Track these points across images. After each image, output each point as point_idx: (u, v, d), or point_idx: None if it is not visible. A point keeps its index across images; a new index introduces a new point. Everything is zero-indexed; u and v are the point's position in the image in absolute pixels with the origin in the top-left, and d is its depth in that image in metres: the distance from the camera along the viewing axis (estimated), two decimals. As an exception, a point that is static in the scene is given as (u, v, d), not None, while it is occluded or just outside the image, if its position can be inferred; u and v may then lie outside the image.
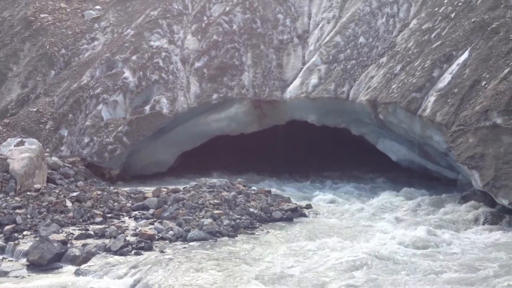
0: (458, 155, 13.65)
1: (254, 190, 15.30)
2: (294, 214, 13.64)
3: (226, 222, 12.38)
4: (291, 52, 19.99)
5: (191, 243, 11.31)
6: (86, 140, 17.71)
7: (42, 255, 10.12)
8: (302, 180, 19.06)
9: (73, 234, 11.64)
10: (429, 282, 8.94)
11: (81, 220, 12.54)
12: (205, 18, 20.91)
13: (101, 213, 12.93)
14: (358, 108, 17.64)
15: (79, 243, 11.11)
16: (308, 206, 14.67)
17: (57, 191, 13.87)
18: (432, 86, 15.52)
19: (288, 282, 9.13)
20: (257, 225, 12.78)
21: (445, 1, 17.89)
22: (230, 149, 21.51)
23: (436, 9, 17.94)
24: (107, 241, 11.15)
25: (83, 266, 10.02)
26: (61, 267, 10.20)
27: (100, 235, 11.62)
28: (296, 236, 12.00)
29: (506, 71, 14.11)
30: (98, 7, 22.61)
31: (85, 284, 9.40)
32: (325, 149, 22.52)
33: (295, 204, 14.35)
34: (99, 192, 14.14)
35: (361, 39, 19.05)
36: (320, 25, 20.47)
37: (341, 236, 11.59)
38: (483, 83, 14.42)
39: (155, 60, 19.41)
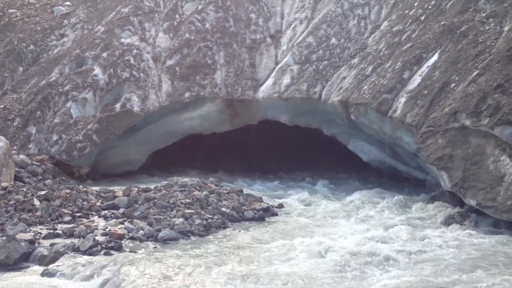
0: (427, 156, 13.86)
1: (226, 189, 15.27)
2: (266, 214, 13.66)
3: (197, 221, 12.31)
4: (264, 52, 20.02)
5: (162, 243, 11.20)
6: (55, 137, 17.39)
7: (9, 255, 9.90)
8: (274, 179, 19.09)
9: (40, 233, 11.41)
10: (399, 281, 9.03)
11: (49, 219, 12.31)
12: (177, 16, 20.77)
13: (70, 212, 12.71)
14: (330, 109, 17.77)
15: (47, 242, 10.90)
16: (280, 206, 14.70)
17: (24, 189, 13.57)
18: (403, 88, 15.72)
19: (259, 282, 9.12)
20: (229, 225, 12.76)
21: (415, 4, 18.16)
22: (202, 148, 21.43)
23: (406, 12, 18.20)
24: (75, 240, 10.96)
25: (51, 266, 9.84)
26: (28, 267, 10.01)
27: (69, 234, 11.43)
28: (268, 235, 12.02)
29: (474, 73, 14.38)
30: (67, 3, 22.24)
31: (53, 285, 9.23)
32: (297, 149, 22.61)
33: (267, 203, 14.38)
34: (67, 191, 13.90)
35: (333, 40, 19.19)
36: (292, 25, 20.55)
37: (312, 236, 11.63)
38: (452, 85, 14.68)
39: (126, 58, 19.18)
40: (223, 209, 13.35)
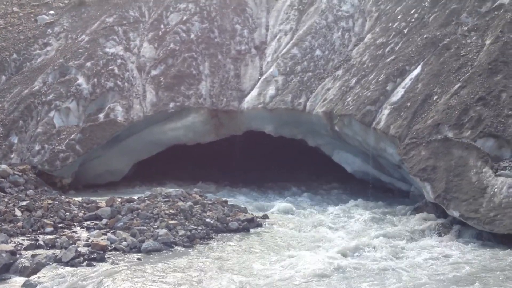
0: (411, 167, 13.96)
1: (210, 200, 15.21)
2: (250, 225, 13.61)
3: (181, 232, 12.22)
4: (249, 63, 20.08)
5: (145, 254, 11.10)
6: (37, 147, 17.20)
7: (-11, 267, 9.72)
8: (259, 190, 19.08)
9: (22, 244, 11.24)
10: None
11: (30, 230, 12.13)
12: (162, 26, 20.77)
13: (52, 223, 12.55)
14: (314, 120, 17.85)
15: (28, 253, 10.72)
16: (265, 217, 14.67)
17: (6, 199, 13.39)
18: (386, 100, 15.87)
19: (244, 293, 9.08)
20: (213, 236, 12.68)
21: (398, 17, 18.38)
22: (187, 158, 21.35)
23: (390, 25, 18.41)
24: (57, 251, 10.81)
25: (32, 278, 9.68)
26: (9, 278, 9.82)
27: (51, 245, 11.27)
28: (252, 247, 11.98)
29: (456, 86, 14.58)
30: (51, 12, 22.12)
31: (34, 297, 9.07)
32: (281, 160, 22.64)
33: (252, 214, 14.34)
34: (50, 201, 13.74)
35: (318, 52, 19.32)
36: (277, 37, 20.66)
37: (296, 247, 11.63)
38: (435, 97, 14.85)
39: (110, 67, 19.10)
40: (208, 220, 13.28)
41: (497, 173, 12.57)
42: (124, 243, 11.45)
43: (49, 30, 21.21)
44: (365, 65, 17.55)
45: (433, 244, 12.21)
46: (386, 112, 15.51)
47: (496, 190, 12.26)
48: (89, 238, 11.82)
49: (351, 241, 12.18)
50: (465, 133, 13.55)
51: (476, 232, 12.49)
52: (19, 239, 11.55)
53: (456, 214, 12.61)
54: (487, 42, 15.15)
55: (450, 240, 12.49)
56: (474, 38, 15.58)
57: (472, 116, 13.71)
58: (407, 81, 15.85)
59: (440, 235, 12.77)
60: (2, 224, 12.10)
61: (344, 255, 11.10)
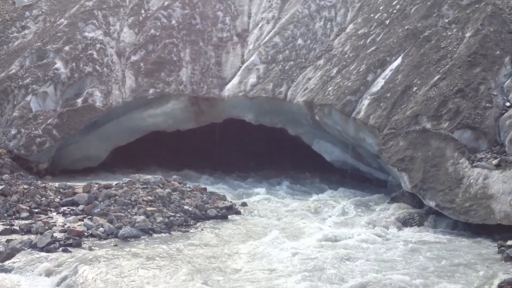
0: (389, 157, 14.07)
1: (189, 187, 15.15)
2: (229, 212, 13.61)
3: (159, 219, 12.17)
4: (230, 50, 19.96)
5: (123, 241, 11.03)
6: (13, 131, 16.93)
7: (-38, 251, 9.58)
8: (238, 178, 19.07)
9: (-4, 229, 11.10)
10: (358, 281, 9.12)
11: (6, 215, 12.00)
12: (142, 11, 20.51)
13: (28, 208, 12.41)
14: (295, 109, 17.85)
15: (3, 238, 10.61)
16: (244, 205, 14.68)
17: (-20, 184, 13.18)
18: (366, 90, 15.92)
19: (219, 281, 9.08)
20: (192, 223, 12.66)
21: (380, 8, 18.41)
22: (166, 145, 21.22)
23: (372, 15, 18.43)
24: (33, 237, 10.70)
25: (7, 263, 9.58)
26: (-17, 263, 9.69)
27: (26, 230, 11.15)
28: (230, 234, 11.99)
29: (436, 78, 14.69)
30: (30, -6, 21.69)
31: (9, 282, 8.97)
32: (262, 148, 22.63)
33: (231, 202, 14.34)
34: (25, 186, 13.56)
35: (300, 41, 19.28)
36: (259, 25, 20.56)
37: (274, 235, 11.65)
38: (414, 88, 14.95)
39: (89, 52, 18.82)
40: (186, 207, 13.24)
41: (473, 164, 12.73)
42: (101, 229, 11.38)
43: (27, 13, 20.81)
44: (346, 55, 17.57)
45: (409, 234, 12.35)
46: (366, 102, 15.57)
47: (472, 181, 12.42)
48: (65, 224, 11.71)
49: (328, 230, 12.25)
50: (443, 125, 13.68)
51: (452, 222, 12.66)
52: (-6, 224, 11.40)
53: (432, 204, 12.75)
54: (467, 34, 15.26)
55: (426, 229, 12.65)
56: (454, 30, 15.68)
57: (451, 108, 13.84)
58: (388, 72, 15.91)
59: (416, 225, 12.91)
60: (-24, 208, 11.93)
61: (320, 244, 11.15)
